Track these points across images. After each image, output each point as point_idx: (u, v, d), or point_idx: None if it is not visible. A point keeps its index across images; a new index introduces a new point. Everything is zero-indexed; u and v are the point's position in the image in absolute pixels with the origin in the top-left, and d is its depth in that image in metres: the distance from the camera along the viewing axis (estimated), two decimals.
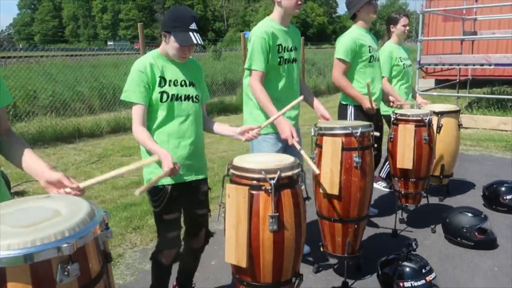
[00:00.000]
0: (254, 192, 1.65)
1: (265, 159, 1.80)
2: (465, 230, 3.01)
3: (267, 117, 2.49)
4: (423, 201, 3.56)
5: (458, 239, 3.04)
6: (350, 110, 3.28)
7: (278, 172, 1.63)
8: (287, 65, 2.60)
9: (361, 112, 3.17)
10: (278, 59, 2.55)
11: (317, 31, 75.09)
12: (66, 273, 1.07)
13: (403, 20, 3.88)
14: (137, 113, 1.95)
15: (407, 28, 3.93)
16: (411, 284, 2.28)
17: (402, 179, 3.20)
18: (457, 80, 10.14)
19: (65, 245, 1.06)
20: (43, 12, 79.98)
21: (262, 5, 73.42)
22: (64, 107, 8.50)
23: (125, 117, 7.98)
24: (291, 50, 2.62)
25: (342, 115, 3.33)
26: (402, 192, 3.23)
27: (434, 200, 3.92)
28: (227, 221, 1.69)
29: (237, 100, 10.71)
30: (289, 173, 1.68)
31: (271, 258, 1.67)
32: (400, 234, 3.26)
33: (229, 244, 1.70)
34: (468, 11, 9.79)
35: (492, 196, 3.72)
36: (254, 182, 1.66)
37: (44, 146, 6.52)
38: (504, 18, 9.56)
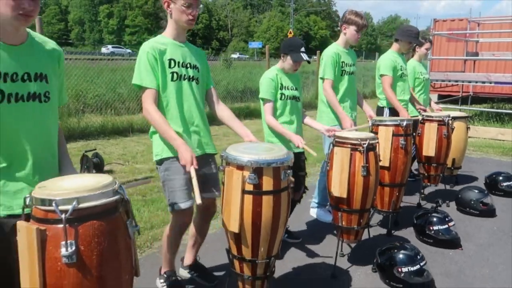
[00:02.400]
0: (352, 152, 2.72)
1: (357, 133, 2.88)
2: (472, 202, 4.08)
3: (334, 113, 3.58)
4: (440, 186, 4.63)
5: (467, 209, 4.11)
6: (386, 111, 4.37)
7: (368, 140, 2.70)
8: (348, 76, 3.68)
9: (395, 114, 4.26)
10: (341, 71, 3.63)
11: (319, 44, 76.78)
12: (286, 175, 2.13)
13: (427, 45, 4.97)
14: (271, 108, 2.98)
15: (429, 51, 5.03)
16: (438, 227, 3.34)
17: (426, 164, 4.27)
18: (460, 96, 11.28)
19: (289, 159, 2.12)
20: (50, 15, 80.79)
21: (266, 17, 75.07)
22: (106, 107, 9.51)
23: None
24: (351, 66, 3.71)
25: (379, 115, 4.41)
26: (426, 174, 4.30)
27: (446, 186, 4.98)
28: (334, 169, 2.76)
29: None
30: (373, 142, 2.76)
31: (360, 193, 2.73)
32: (423, 206, 4.31)
33: (334, 183, 2.76)
34: (471, 34, 10.99)
35: (492, 183, 4.79)
36: (352, 146, 2.72)
37: (107, 138, 7.58)
38: (503, 42, 10.72)
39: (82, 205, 1.33)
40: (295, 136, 2.87)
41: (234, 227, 2.11)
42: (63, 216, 1.30)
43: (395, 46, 4.35)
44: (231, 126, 2.52)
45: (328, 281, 2.81)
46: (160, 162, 2.37)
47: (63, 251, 1.30)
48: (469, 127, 4.99)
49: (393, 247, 2.82)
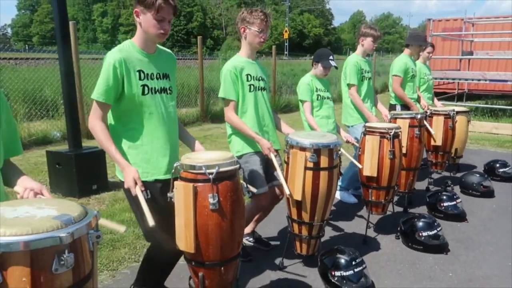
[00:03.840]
0: (381, 139, 3.32)
1: (384, 124, 3.49)
2: (474, 185, 4.71)
3: (359, 113, 4.17)
4: (444, 174, 5.25)
5: (470, 191, 4.74)
6: (398, 107, 4.98)
7: (394, 129, 3.30)
8: (367, 80, 4.29)
9: (406, 110, 4.87)
10: (362, 77, 4.24)
11: (313, 42, 77.31)
12: (337, 155, 2.71)
13: (429, 49, 5.61)
14: (309, 108, 3.57)
15: (431, 54, 5.69)
16: (448, 204, 3.95)
17: (433, 152, 4.89)
18: (456, 93, 11.96)
19: (340, 143, 2.70)
20: (42, 14, 79.93)
21: None
22: None
23: (183, 114, 9.61)
24: (368, 72, 4.31)
25: (391, 111, 5.01)
26: (433, 161, 4.92)
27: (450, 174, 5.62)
28: (366, 153, 3.35)
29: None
30: (398, 131, 3.37)
31: (388, 172, 3.33)
32: (431, 189, 4.93)
33: (366, 165, 3.35)
34: (466, 33, 11.69)
35: (490, 170, 5.43)
36: (381, 134, 3.33)
37: None
38: (496, 41, 11.42)
39: (221, 169, 1.91)
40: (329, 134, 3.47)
41: (297, 196, 2.70)
42: (210, 176, 1.88)
43: (406, 50, 4.96)
44: (281, 128, 3.10)
45: (361, 246, 3.39)
46: (240, 157, 2.91)
47: (210, 200, 1.88)
48: (470, 121, 5.62)
49: (414, 217, 3.43)
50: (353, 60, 4.20)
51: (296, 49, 68.98)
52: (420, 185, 5.08)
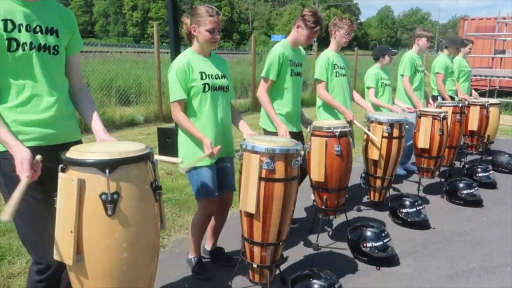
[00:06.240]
0: (433, 120, 4.38)
1: (435, 108, 4.55)
2: (503, 163, 5.69)
3: (409, 98, 5.23)
4: (477, 157, 6.25)
5: (500, 168, 5.73)
6: (439, 98, 5.99)
7: (443, 113, 4.35)
8: (419, 73, 5.32)
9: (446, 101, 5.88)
10: (416, 71, 5.27)
11: None
12: (405, 128, 3.81)
13: (470, 45, 6.57)
14: (374, 92, 4.66)
15: (471, 50, 6.65)
16: (482, 174, 4.99)
17: (470, 136, 5.89)
18: (487, 89, 12.72)
19: (406, 120, 3.79)
20: (75, 8, 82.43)
21: (287, 10, 76.18)
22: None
23: (237, 104, 10.78)
24: (421, 66, 5.34)
25: (433, 101, 6.03)
26: (469, 143, 5.92)
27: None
28: (421, 131, 4.41)
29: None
30: (446, 114, 4.41)
31: (437, 146, 4.39)
32: (466, 167, 5.93)
33: (420, 140, 4.42)
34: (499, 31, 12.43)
35: None
36: (433, 116, 4.38)
37: None
38: None
39: (342, 130, 3.04)
40: (394, 108, 4.54)
41: (375, 157, 3.81)
42: (336, 133, 3.01)
43: (445, 51, 5.96)
44: None
45: None
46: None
47: (336, 149, 3.02)
48: (501, 111, 6.56)
49: (457, 180, 4.49)
50: (409, 56, 5.24)
51: (322, 44, 69.40)
52: (457, 164, 6.08)
